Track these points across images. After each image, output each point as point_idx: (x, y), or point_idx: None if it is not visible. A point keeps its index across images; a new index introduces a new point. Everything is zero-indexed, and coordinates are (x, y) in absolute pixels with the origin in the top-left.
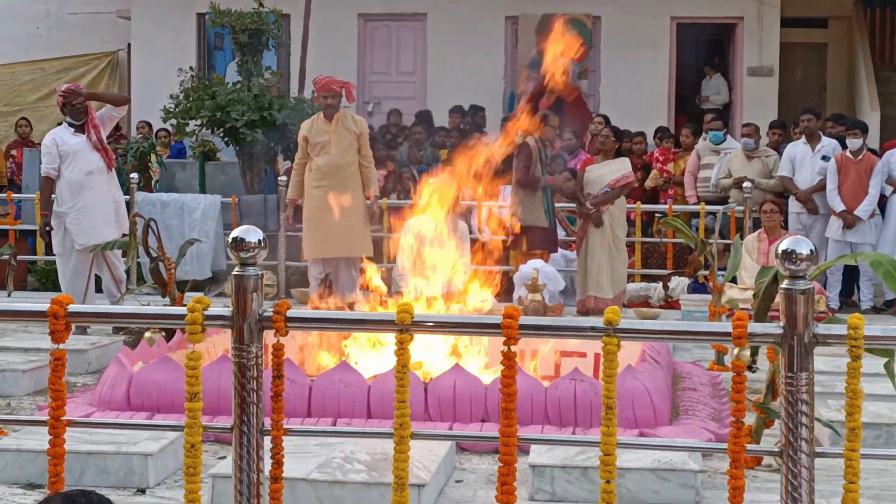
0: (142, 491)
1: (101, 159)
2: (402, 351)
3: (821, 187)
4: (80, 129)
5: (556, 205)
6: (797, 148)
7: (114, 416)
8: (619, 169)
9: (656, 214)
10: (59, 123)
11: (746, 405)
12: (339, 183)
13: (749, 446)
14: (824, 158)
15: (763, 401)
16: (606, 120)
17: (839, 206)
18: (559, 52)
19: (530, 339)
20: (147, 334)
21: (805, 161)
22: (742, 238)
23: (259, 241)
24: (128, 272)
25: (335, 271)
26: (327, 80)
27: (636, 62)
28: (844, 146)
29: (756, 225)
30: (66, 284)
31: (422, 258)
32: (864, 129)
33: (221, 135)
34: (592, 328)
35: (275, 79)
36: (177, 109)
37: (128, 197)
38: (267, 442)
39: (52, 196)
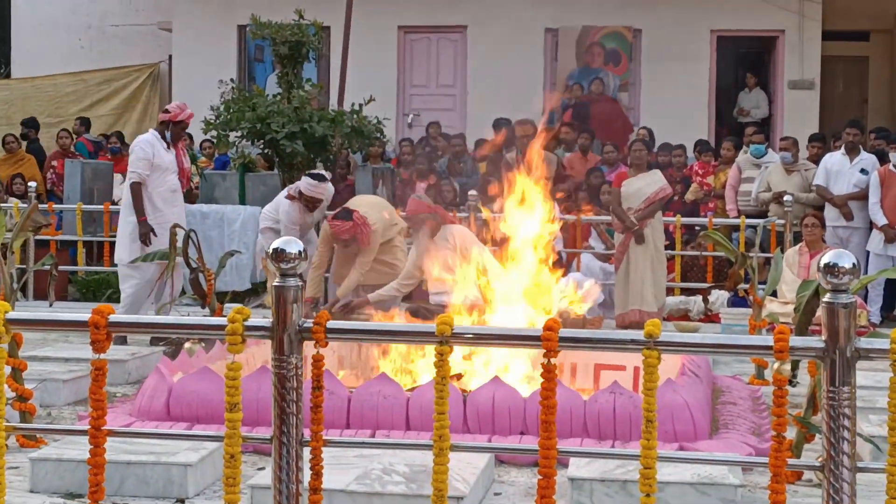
0: (181, 501)
1: (178, 181)
2: (441, 362)
3: (861, 195)
4: (168, 146)
5: (594, 218)
6: (834, 159)
7: (153, 426)
8: (656, 181)
9: (696, 227)
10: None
11: (787, 419)
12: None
13: (790, 461)
14: (862, 171)
15: (804, 415)
16: (650, 132)
17: (881, 220)
18: None
19: (568, 351)
20: (187, 345)
21: (842, 173)
22: (783, 252)
23: (299, 252)
24: None
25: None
26: (338, 229)
27: (676, 75)
28: (882, 160)
29: (797, 238)
30: (131, 293)
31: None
32: None
33: (262, 146)
34: (633, 341)
35: (315, 91)
36: (217, 121)
37: None
38: (306, 453)
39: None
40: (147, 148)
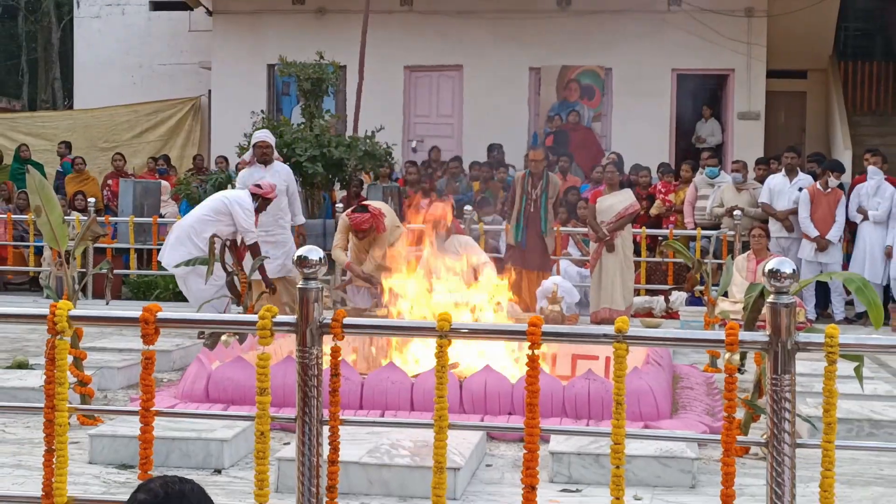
0: (218, 471)
1: None
2: (441, 353)
3: (796, 211)
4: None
5: (573, 229)
6: (776, 179)
7: (194, 407)
8: (626, 199)
9: (659, 238)
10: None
11: (737, 402)
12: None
13: (739, 438)
14: (801, 190)
15: (751, 398)
16: (619, 157)
17: (813, 232)
18: None
19: (550, 343)
20: (223, 337)
21: (783, 191)
22: (733, 258)
23: (320, 258)
24: None
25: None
26: (358, 220)
27: (642, 107)
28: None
29: (745, 247)
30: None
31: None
32: (842, 171)
33: None
34: (605, 335)
35: (333, 120)
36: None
37: None
38: (325, 430)
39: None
40: (252, 216)
